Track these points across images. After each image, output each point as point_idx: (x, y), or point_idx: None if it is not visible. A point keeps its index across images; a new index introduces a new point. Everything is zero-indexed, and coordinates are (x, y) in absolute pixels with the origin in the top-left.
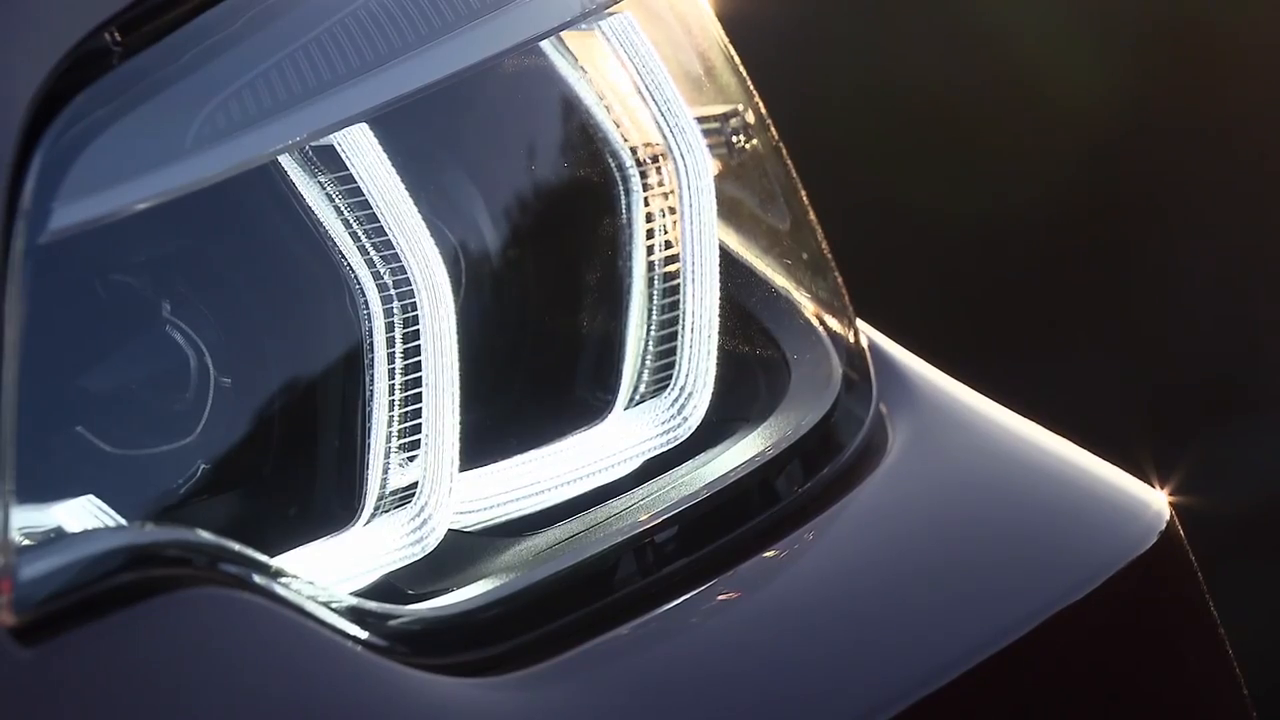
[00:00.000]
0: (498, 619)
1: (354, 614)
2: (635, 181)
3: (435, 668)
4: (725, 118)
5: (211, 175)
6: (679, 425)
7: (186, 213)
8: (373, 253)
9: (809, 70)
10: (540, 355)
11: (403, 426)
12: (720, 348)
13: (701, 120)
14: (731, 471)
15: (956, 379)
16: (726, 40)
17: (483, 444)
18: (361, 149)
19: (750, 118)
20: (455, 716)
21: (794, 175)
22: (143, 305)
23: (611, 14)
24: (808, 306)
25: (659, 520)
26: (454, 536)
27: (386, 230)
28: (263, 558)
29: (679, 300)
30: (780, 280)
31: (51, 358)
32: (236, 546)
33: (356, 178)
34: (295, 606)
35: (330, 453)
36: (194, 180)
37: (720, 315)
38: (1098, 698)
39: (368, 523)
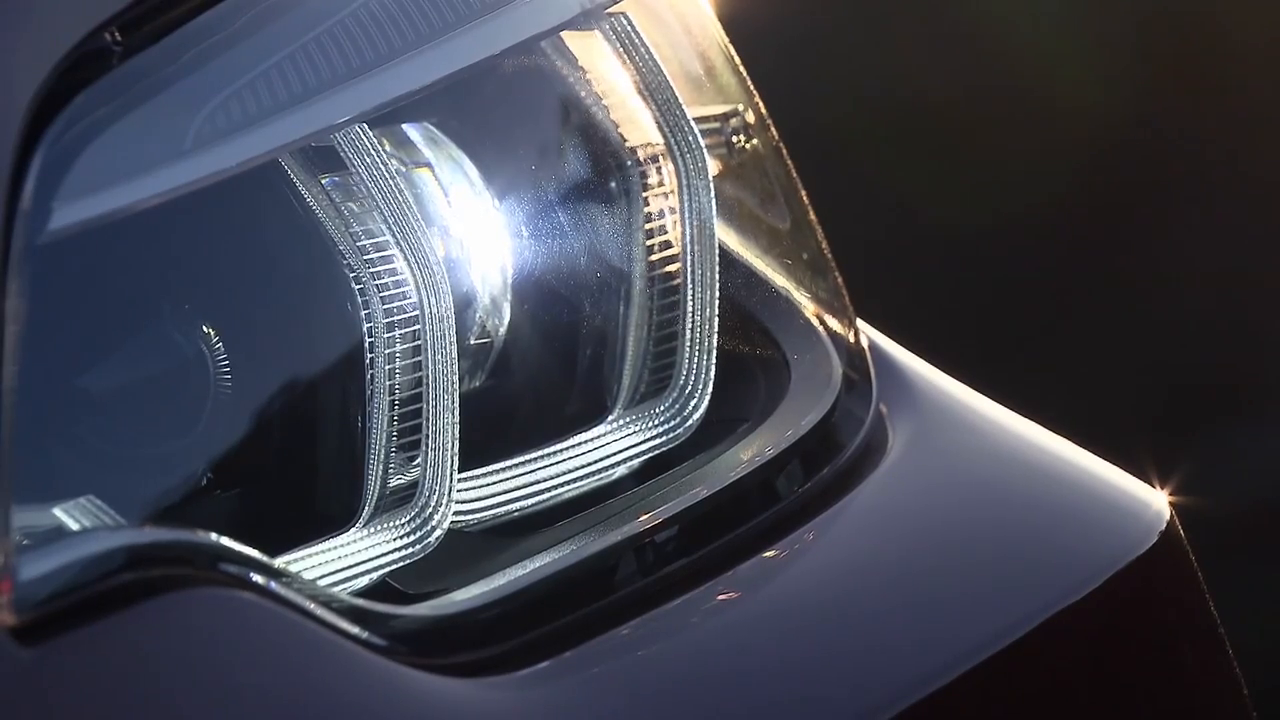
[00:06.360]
0: (498, 619)
1: (354, 614)
2: (635, 181)
3: (435, 668)
4: (725, 118)
5: (211, 175)
6: (679, 425)
7: (186, 213)
8: (372, 253)
9: (809, 70)
10: (540, 355)
11: (403, 426)
12: (720, 348)
13: (701, 120)
14: (731, 471)
15: (956, 379)
16: (726, 40)
17: (483, 444)
18: (361, 149)
19: (750, 118)
20: (455, 716)
21: (794, 175)
22: (143, 305)
23: (611, 14)
24: (808, 306)
25: (659, 520)
26: (454, 536)
27: (386, 230)
28: (263, 558)
29: (679, 300)
30: (780, 280)
31: (51, 358)
32: (236, 546)
33: (356, 178)
34: (295, 606)
35: (330, 453)
36: (194, 180)
37: (720, 315)
38: (1098, 698)
39: (368, 523)
